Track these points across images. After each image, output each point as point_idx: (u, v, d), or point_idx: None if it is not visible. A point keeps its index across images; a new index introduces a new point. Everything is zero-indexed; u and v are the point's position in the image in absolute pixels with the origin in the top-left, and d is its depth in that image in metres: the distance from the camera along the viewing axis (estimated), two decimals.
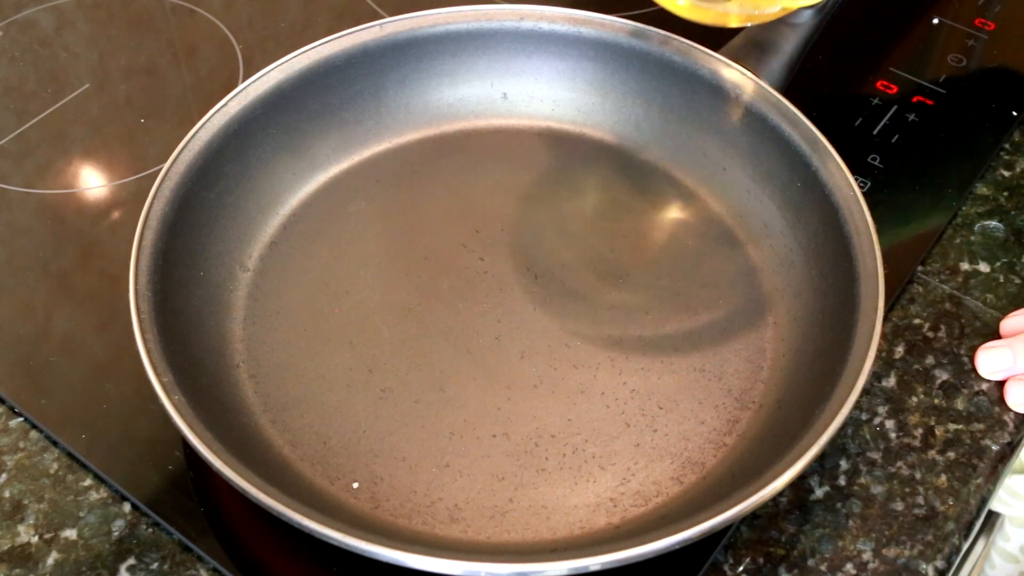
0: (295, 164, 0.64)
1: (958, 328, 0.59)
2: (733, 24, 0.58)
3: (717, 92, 0.63)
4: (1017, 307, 0.60)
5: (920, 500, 0.52)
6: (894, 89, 0.72)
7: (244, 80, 0.62)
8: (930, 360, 0.58)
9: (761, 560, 0.50)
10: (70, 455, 0.53)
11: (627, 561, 0.43)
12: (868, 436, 0.55)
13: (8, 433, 0.54)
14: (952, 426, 0.55)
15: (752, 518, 0.51)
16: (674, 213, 0.63)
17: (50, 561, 0.50)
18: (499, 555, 0.48)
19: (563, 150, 0.67)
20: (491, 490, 0.51)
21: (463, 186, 0.65)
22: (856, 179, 0.57)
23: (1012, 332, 0.57)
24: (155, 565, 0.50)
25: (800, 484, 0.53)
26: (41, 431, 0.54)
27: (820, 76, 0.73)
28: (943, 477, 0.53)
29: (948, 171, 0.68)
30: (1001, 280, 0.62)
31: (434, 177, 0.65)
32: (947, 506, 0.52)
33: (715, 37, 0.64)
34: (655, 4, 0.58)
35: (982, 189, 0.67)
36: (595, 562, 0.43)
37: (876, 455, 0.54)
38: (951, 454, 0.54)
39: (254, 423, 0.53)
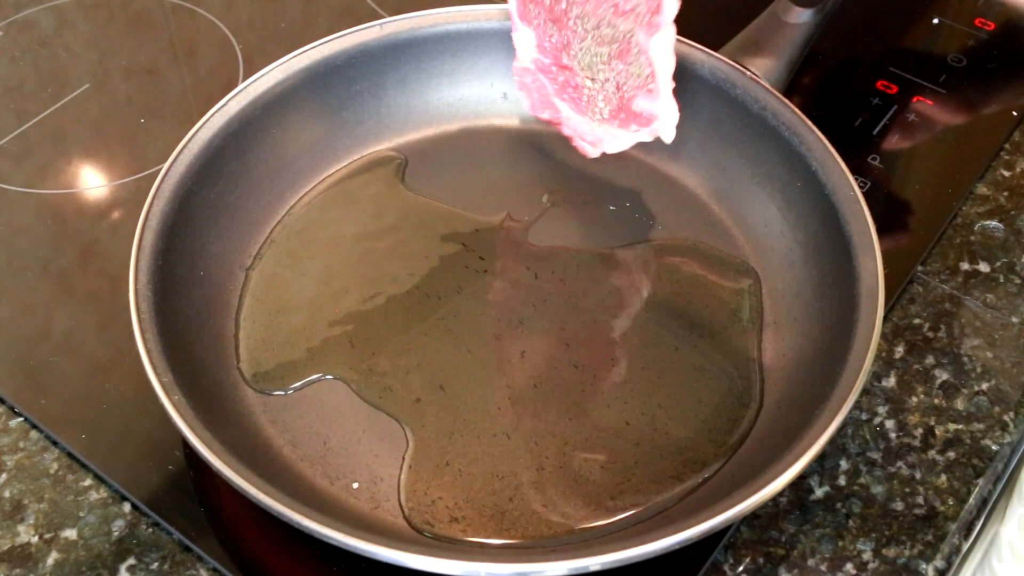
0: (295, 164, 0.64)
1: (958, 328, 0.59)
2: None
3: (717, 92, 0.63)
4: (1017, 307, 0.60)
5: (920, 500, 0.52)
6: (894, 89, 0.72)
7: (244, 80, 0.62)
8: (930, 360, 0.58)
9: (761, 560, 0.50)
10: (70, 455, 0.53)
11: (627, 561, 0.43)
12: (868, 436, 0.55)
13: (8, 433, 0.54)
14: (952, 426, 0.55)
15: (752, 518, 0.51)
16: (673, 213, 0.63)
17: (50, 561, 0.50)
18: (499, 555, 0.48)
19: (563, 150, 0.67)
20: (491, 490, 0.51)
21: (463, 186, 0.65)
22: (856, 179, 0.57)
23: None
24: (155, 565, 0.50)
25: (800, 484, 0.53)
26: (41, 431, 0.54)
27: (820, 76, 0.73)
28: (943, 477, 0.53)
29: (948, 171, 0.68)
30: (1001, 280, 0.62)
31: (434, 177, 0.65)
32: (947, 506, 0.52)
33: (715, 37, 0.64)
34: None
35: (982, 189, 0.67)
36: (595, 562, 0.43)
37: (876, 455, 0.54)
38: (951, 454, 0.54)
39: (254, 423, 0.53)
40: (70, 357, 0.57)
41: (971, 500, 0.52)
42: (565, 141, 0.64)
